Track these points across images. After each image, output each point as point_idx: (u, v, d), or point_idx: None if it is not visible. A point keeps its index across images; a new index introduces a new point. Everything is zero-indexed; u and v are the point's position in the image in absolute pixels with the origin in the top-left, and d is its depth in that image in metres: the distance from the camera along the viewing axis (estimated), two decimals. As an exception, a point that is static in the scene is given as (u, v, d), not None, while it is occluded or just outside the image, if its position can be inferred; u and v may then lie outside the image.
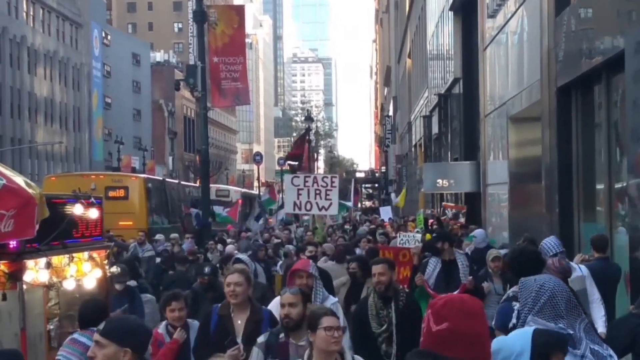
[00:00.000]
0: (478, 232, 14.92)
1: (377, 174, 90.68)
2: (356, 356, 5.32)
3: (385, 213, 35.37)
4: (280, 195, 35.57)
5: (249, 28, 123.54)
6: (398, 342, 7.27)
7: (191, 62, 34.22)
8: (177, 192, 32.43)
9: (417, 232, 18.41)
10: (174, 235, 20.69)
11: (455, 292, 9.22)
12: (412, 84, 46.08)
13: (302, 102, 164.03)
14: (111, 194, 24.66)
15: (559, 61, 12.88)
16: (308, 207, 18.74)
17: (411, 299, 7.80)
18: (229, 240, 19.70)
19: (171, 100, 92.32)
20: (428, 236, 16.39)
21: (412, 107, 45.39)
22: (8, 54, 59.81)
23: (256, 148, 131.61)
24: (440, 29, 29.08)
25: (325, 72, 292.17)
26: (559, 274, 6.83)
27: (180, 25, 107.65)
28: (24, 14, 63.36)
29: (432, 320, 3.36)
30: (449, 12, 25.41)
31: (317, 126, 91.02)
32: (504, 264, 9.59)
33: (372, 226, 25.31)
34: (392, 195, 50.13)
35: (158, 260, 17.47)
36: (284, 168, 63.67)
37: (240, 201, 34.98)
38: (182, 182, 40.80)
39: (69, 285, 7.46)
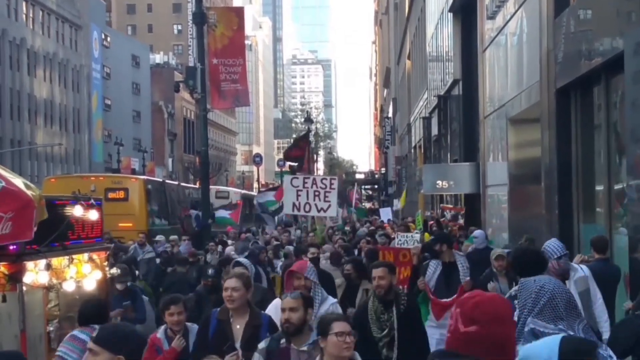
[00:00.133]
0: (478, 232, 14.90)
1: (376, 176, 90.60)
2: None
3: (386, 214, 35.36)
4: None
5: (248, 30, 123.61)
6: (399, 347, 7.23)
7: (191, 64, 34.25)
8: (177, 193, 32.38)
9: (416, 232, 18.38)
10: (173, 237, 20.72)
11: (454, 295, 9.24)
12: (412, 85, 46.03)
13: (302, 104, 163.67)
14: (111, 195, 24.62)
15: (559, 62, 12.88)
16: (307, 208, 18.69)
17: (412, 303, 7.73)
18: (229, 242, 19.71)
19: (171, 101, 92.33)
20: (427, 236, 16.38)
21: (412, 109, 45.35)
22: (8, 56, 59.87)
23: (256, 149, 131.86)
24: (439, 31, 29.08)
25: (325, 74, 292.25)
26: (558, 275, 6.83)
27: (179, 27, 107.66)
28: (24, 16, 63.40)
29: (461, 320, 3.31)
30: (449, 13, 25.41)
31: (316, 128, 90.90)
32: (508, 262, 9.56)
33: (372, 227, 25.29)
34: (395, 201, 49.99)
35: (158, 261, 17.49)
36: (283, 169, 63.58)
37: (240, 202, 34.93)
38: (182, 184, 40.77)
39: (68, 286, 7.46)
